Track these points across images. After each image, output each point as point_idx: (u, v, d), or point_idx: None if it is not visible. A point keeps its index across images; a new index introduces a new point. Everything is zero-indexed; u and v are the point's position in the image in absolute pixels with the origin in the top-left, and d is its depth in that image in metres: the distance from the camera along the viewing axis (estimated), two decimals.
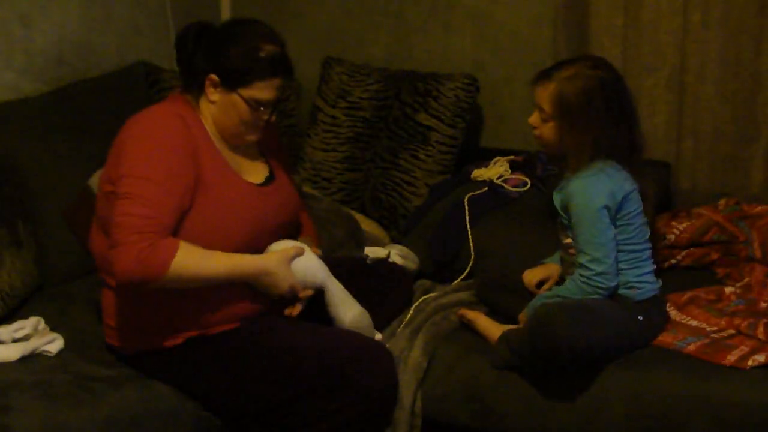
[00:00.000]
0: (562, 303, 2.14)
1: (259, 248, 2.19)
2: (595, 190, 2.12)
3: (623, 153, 2.16)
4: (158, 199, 1.99)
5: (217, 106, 2.15)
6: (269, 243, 2.22)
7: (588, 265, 2.14)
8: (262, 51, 2.11)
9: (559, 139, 2.17)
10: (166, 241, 1.98)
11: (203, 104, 2.17)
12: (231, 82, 2.12)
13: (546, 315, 2.09)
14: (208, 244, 2.05)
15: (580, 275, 2.16)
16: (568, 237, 2.23)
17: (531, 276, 2.36)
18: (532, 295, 2.33)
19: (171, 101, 2.19)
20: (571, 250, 2.22)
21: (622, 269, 2.18)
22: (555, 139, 2.18)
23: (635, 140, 2.18)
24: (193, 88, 2.17)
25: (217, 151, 2.16)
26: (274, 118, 2.20)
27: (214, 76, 2.12)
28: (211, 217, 2.08)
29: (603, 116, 2.11)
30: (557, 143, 2.18)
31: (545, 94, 2.16)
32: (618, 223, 2.16)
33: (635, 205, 2.17)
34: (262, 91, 2.13)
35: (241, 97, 2.12)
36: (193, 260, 2.01)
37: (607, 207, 2.12)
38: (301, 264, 2.19)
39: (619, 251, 2.16)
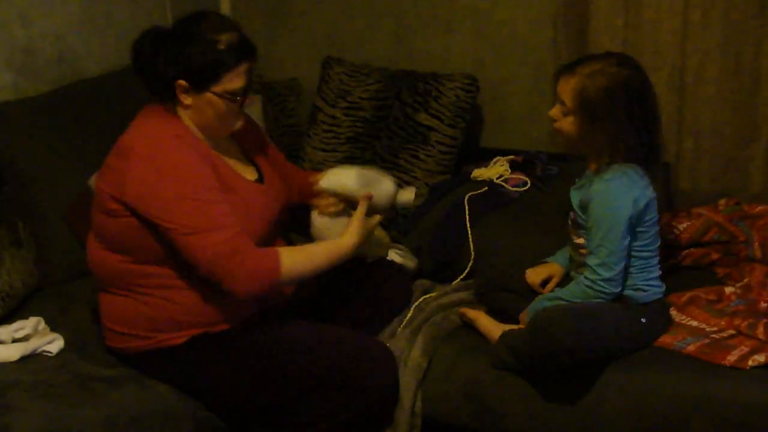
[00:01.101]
0: (564, 307, 2.14)
1: (267, 243, 2.20)
2: (621, 197, 2.10)
3: (642, 156, 2.13)
4: (220, 214, 2.01)
5: (193, 110, 2.12)
6: (271, 238, 2.23)
7: (596, 268, 2.14)
8: (220, 43, 2.07)
9: (578, 134, 2.14)
10: (265, 251, 2.03)
11: (180, 111, 2.13)
12: (200, 83, 2.09)
13: (547, 319, 2.09)
14: None
15: (586, 277, 2.16)
16: (580, 237, 2.22)
17: (534, 275, 2.36)
18: (532, 294, 2.33)
19: (155, 118, 2.12)
20: (583, 251, 2.22)
21: (631, 273, 2.17)
22: (573, 133, 2.15)
23: (655, 143, 2.15)
24: (166, 97, 2.13)
25: (216, 156, 2.16)
26: (247, 102, 2.17)
27: (182, 82, 2.08)
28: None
29: (623, 116, 2.08)
30: (575, 138, 2.15)
31: (567, 88, 2.13)
32: (637, 229, 2.14)
33: (654, 212, 2.16)
34: (232, 81, 2.10)
35: (214, 93, 2.09)
36: (298, 261, 2.08)
37: (630, 216, 2.10)
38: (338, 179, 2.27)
39: (631, 257, 2.15)
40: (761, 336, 2.17)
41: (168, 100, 2.13)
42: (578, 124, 2.13)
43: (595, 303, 2.15)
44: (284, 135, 3.33)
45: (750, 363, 2.08)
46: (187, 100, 2.11)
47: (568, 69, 2.16)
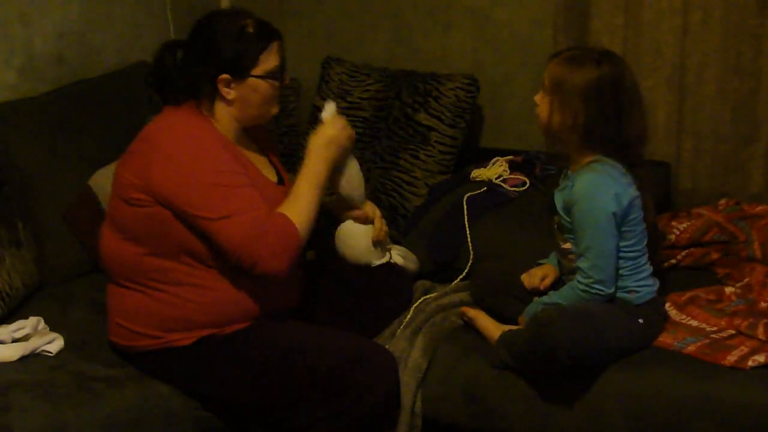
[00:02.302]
0: (562, 309, 2.13)
1: None
2: (602, 194, 2.10)
3: (615, 146, 2.12)
4: (246, 198, 2.04)
5: (236, 103, 2.15)
6: None
7: (588, 271, 2.13)
8: (248, 27, 2.12)
9: (549, 115, 2.14)
10: (277, 221, 2.04)
11: (219, 109, 2.15)
12: (240, 70, 2.12)
13: (546, 321, 2.08)
14: None
15: (579, 282, 2.15)
16: (567, 242, 2.22)
17: (530, 279, 2.35)
18: (529, 297, 2.32)
19: (181, 112, 2.14)
20: (571, 256, 2.21)
21: (621, 275, 2.17)
22: (545, 115, 2.15)
23: (628, 136, 2.12)
24: (202, 98, 2.15)
25: (242, 154, 2.17)
26: (288, 79, 2.22)
27: (224, 76, 2.12)
28: None
29: (594, 104, 2.08)
30: (546, 120, 2.15)
31: (548, 70, 2.16)
32: (622, 229, 2.13)
33: (638, 211, 2.15)
34: (269, 60, 2.15)
35: (257, 77, 2.13)
36: (300, 210, 2.08)
37: (614, 214, 2.09)
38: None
39: (620, 258, 2.15)
40: (761, 336, 2.17)
41: (205, 101, 2.15)
42: (550, 104, 2.14)
43: (592, 304, 2.14)
44: (284, 135, 3.33)
45: (750, 363, 2.08)
46: (231, 94, 2.14)
47: (554, 54, 2.19)
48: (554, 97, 2.13)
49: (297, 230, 2.06)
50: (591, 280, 2.13)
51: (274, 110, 2.22)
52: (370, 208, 2.41)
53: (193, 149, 2.06)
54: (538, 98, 2.19)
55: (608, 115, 2.10)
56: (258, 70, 2.13)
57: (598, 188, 2.11)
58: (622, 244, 2.14)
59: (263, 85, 2.14)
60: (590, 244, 2.12)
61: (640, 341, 2.19)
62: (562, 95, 2.12)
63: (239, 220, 2.00)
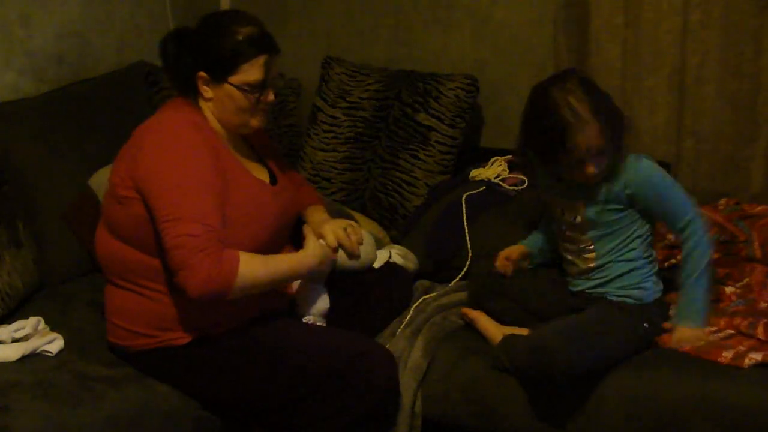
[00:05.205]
0: (562, 330, 2.12)
1: (276, 247, 2.21)
2: (656, 166, 2.20)
3: (619, 116, 2.17)
4: (203, 211, 2.00)
5: (214, 102, 2.16)
6: (282, 242, 2.24)
7: (699, 217, 2.19)
8: (239, 34, 2.11)
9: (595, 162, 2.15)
10: (226, 254, 1.98)
11: (202, 105, 2.17)
12: (219, 73, 2.12)
13: (540, 346, 2.08)
14: (236, 244, 2.04)
15: (701, 234, 2.19)
16: (587, 240, 2.24)
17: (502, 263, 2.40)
18: (525, 298, 2.32)
19: (176, 109, 2.17)
20: (587, 256, 2.24)
21: (636, 268, 2.22)
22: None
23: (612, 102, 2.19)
24: (189, 92, 2.17)
25: (230, 153, 2.17)
26: (272, 97, 2.19)
27: (202, 74, 2.13)
28: (238, 217, 2.08)
29: (597, 109, 2.10)
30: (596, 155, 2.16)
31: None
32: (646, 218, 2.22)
33: None
34: (250, 72, 2.12)
35: (232, 85, 2.12)
36: (256, 267, 2.03)
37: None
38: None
39: (643, 249, 2.23)
40: (761, 336, 2.17)
41: (192, 95, 2.17)
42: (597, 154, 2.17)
43: (600, 320, 2.16)
44: (284, 135, 3.33)
45: (747, 361, 2.08)
46: (208, 92, 2.15)
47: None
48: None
49: (235, 278, 1.98)
50: (703, 220, 2.20)
51: (255, 122, 2.20)
52: (335, 233, 2.35)
53: (173, 147, 2.05)
54: (591, 167, 2.13)
55: (604, 101, 2.15)
56: (236, 79, 2.12)
57: (651, 164, 2.20)
58: (645, 230, 2.23)
59: (238, 95, 2.13)
60: (682, 198, 2.19)
61: (642, 345, 2.20)
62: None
63: (178, 226, 1.97)
